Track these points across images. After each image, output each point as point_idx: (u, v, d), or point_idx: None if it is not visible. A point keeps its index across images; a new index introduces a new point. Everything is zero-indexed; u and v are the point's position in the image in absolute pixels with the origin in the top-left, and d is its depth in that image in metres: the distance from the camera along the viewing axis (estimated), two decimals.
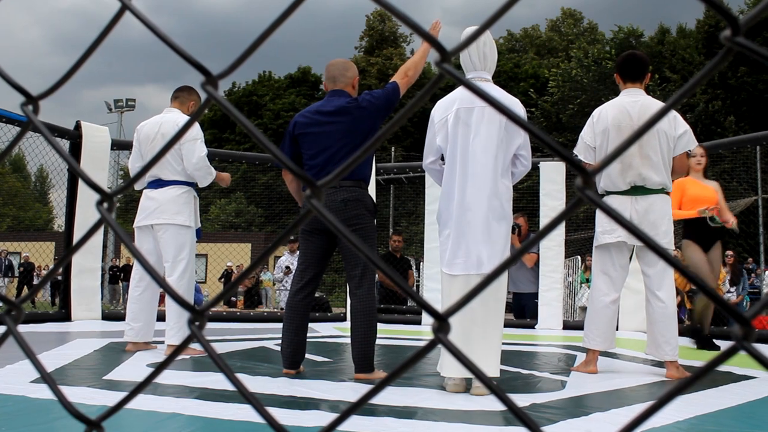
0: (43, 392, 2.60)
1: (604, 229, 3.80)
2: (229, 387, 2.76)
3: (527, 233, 7.53)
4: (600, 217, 3.91)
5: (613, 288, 3.80)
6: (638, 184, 3.68)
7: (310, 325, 6.60)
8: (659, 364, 3.89)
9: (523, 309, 7.74)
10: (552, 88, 29.86)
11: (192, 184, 4.31)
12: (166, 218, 4.21)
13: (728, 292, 10.01)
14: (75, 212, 6.71)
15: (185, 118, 4.34)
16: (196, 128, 4.25)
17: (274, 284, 11.06)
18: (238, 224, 28.29)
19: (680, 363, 3.69)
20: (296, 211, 3.84)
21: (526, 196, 10.69)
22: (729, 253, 10.64)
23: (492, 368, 2.96)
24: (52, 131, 6.37)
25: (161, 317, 4.27)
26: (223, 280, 18.50)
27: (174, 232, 4.20)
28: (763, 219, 10.65)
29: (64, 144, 6.76)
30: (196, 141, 4.19)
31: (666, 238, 3.70)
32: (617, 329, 4.51)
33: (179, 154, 4.20)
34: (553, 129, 29.15)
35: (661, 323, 3.64)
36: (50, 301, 18.31)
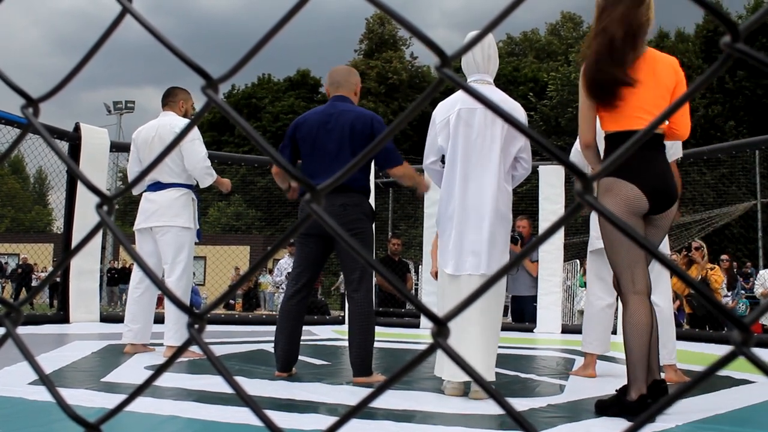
0: (42, 394, 2.60)
1: (599, 234, 3.80)
2: (228, 390, 2.76)
3: (530, 236, 7.54)
4: (594, 221, 3.90)
5: (608, 292, 3.80)
6: None
7: (308, 328, 6.61)
8: None
9: (522, 312, 7.74)
10: (551, 91, 29.89)
11: (191, 186, 4.32)
12: (166, 220, 4.23)
13: (725, 296, 10.00)
14: (74, 214, 6.71)
15: (181, 120, 4.37)
16: (194, 129, 4.26)
17: (278, 288, 11.04)
18: (238, 227, 28.28)
19: (679, 367, 3.69)
20: (296, 214, 3.86)
21: (525, 200, 10.69)
22: (724, 257, 10.63)
23: (488, 372, 2.96)
24: (52, 133, 6.37)
25: (159, 320, 4.28)
26: None
27: (174, 234, 4.22)
28: (763, 224, 10.65)
29: (63, 146, 6.76)
30: (194, 141, 4.21)
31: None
32: (615, 333, 4.51)
33: (178, 157, 4.22)
34: (552, 133, 29.16)
35: (659, 327, 3.64)
36: (48, 303, 18.28)
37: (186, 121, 4.34)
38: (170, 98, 4.48)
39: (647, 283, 2.63)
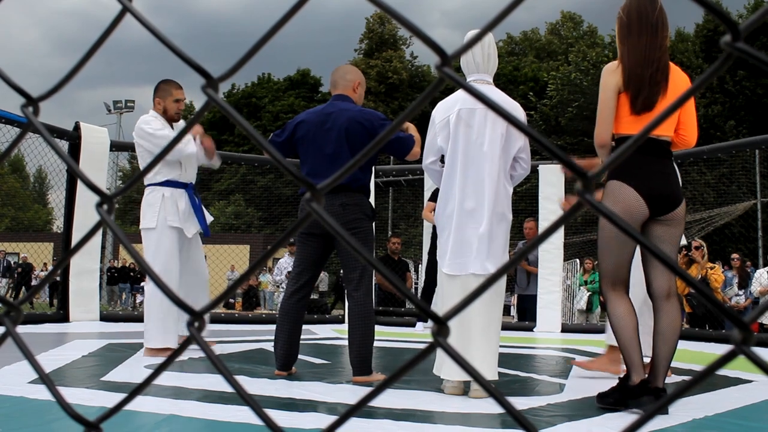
0: (42, 393, 2.60)
1: None
2: (228, 389, 2.76)
3: None
4: None
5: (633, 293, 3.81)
6: None
7: (308, 327, 6.61)
8: None
9: (525, 311, 7.81)
10: (551, 91, 29.87)
11: (161, 183, 4.23)
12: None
13: (737, 295, 9.98)
14: (74, 213, 6.70)
15: (144, 118, 4.26)
16: (150, 124, 4.16)
17: (278, 287, 11.05)
18: (237, 226, 28.28)
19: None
20: (296, 213, 3.85)
21: (525, 199, 10.70)
22: (735, 256, 10.63)
23: (490, 371, 2.96)
24: (51, 132, 6.36)
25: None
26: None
27: (142, 236, 4.23)
28: (763, 223, 10.66)
29: (63, 145, 6.76)
30: (159, 139, 4.11)
31: None
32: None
33: (148, 155, 4.19)
34: (552, 132, 29.15)
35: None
36: (48, 302, 18.29)
37: (145, 118, 4.23)
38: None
39: (625, 286, 2.76)
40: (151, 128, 4.14)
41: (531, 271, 7.72)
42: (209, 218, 4.42)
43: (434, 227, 6.69)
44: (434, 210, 6.57)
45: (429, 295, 6.27)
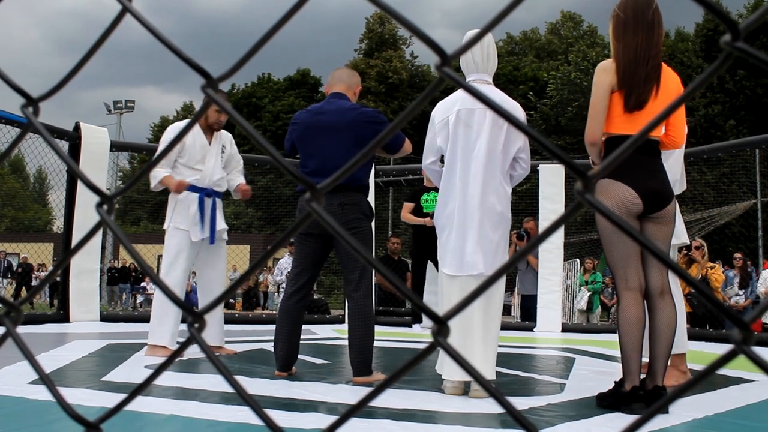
0: (42, 393, 2.60)
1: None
2: (228, 389, 2.76)
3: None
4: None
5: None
6: None
7: (309, 327, 6.61)
8: None
9: (528, 310, 7.82)
10: (551, 91, 29.87)
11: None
12: None
13: (737, 294, 9.96)
14: (74, 214, 6.71)
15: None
16: (167, 133, 4.25)
17: (278, 288, 11.06)
18: (237, 226, 28.28)
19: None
20: (295, 213, 3.85)
21: (525, 199, 10.71)
22: (737, 255, 10.63)
23: (489, 371, 2.96)
24: (52, 132, 6.36)
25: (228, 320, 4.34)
26: None
27: None
28: (763, 222, 10.66)
29: (63, 145, 6.76)
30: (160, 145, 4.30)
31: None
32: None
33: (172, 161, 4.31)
34: (552, 132, 29.16)
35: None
36: (48, 303, 18.29)
37: (170, 127, 4.40)
38: None
39: (640, 281, 2.71)
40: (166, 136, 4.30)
41: (532, 262, 7.74)
42: (221, 226, 4.43)
43: (415, 228, 6.79)
44: (412, 211, 6.67)
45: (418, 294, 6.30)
